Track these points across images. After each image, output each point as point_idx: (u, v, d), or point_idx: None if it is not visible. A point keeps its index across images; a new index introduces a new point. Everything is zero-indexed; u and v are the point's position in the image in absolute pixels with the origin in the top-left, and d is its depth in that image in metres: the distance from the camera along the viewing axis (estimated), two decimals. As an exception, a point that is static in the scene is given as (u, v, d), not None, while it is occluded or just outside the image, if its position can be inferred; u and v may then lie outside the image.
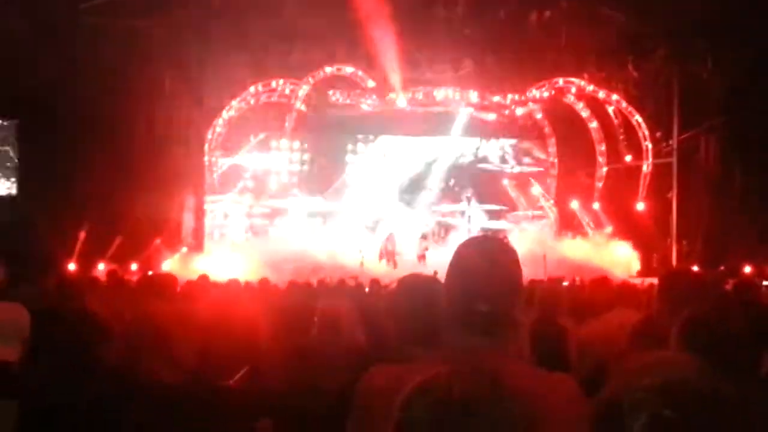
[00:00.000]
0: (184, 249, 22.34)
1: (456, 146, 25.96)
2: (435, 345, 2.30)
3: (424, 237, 23.79)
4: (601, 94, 23.79)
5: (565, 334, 5.85)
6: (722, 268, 18.08)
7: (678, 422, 1.55)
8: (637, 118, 23.51)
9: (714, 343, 3.06)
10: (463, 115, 25.13)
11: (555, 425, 1.88)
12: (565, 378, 2.22)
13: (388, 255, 22.75)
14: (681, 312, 3.69)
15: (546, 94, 24.42)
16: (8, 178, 22.38)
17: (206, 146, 23.64)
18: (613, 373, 1.87)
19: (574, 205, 24.78)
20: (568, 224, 24.90)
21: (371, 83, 23.61)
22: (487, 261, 2.25)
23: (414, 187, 25.71)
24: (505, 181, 26.21)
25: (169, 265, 20.33)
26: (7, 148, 22.25)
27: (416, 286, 3.11)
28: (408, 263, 21.11)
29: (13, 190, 22.20)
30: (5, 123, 22.31)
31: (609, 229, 23.47)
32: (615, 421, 1.63)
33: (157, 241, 21.32)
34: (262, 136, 24.59)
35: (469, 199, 25.93)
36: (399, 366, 2.25)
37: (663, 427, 1.56)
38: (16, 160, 22.21)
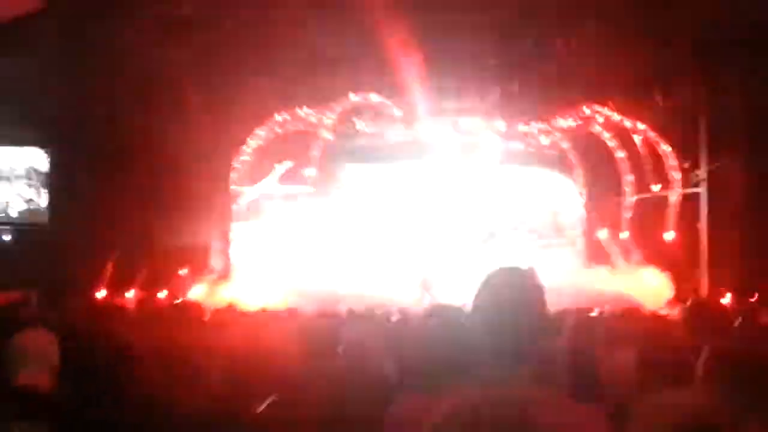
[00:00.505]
0: (212, 276, 22.40)
1: (482, 176, 25.87)
2: (463, 376, 2.30)
3: None
4: (628, 123, 23.68)
5: (597, 366, 5.80)
6: (755, 297, 17.88)
7: None
8: (665, 147, 23.36)
9: (738, 376, 3.03)
10: (490, 144, 25.07)
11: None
12: (594, 410, 2.21)
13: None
14: (705, 343, 3.67)
15: (572, 123, 24.34)
16: (40, 206, 22.63)
17: (232, 174, 23.75)
18: (633, 413, 1.87)
19: (602, 235, 24.62)
20: (596, 254, 24.74)
21: (398, 112, 23.66)
22: (515, 292, 2.26)
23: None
24: (534, 211, 26.16)
25: (197, 292, 20.39)
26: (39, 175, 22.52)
27: (445, 315, 3.11)
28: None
29: (45, 218, 22.43)
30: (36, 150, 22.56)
31: (638, 259, 23.26)
32: None
33: (185, 269, 21.40)
34: (289, 164, 24.63)
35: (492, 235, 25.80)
36: (426, 395, 2.26)
37: None
38: (48, 188, 22.46)
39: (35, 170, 22.56)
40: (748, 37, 19.25)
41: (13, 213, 22.65)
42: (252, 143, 23.69)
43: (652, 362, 4.63)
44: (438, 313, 3.19)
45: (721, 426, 1.58)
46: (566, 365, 4.57)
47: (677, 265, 22.44)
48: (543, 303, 2.30)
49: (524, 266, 2.41)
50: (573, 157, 25.13)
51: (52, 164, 22.23)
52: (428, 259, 23.85)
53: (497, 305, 2.25)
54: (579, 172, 25.27)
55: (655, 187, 23.81)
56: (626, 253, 23.89)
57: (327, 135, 23.82)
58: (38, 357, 3.82)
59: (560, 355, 5.10)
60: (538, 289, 2.31)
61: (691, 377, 3.39)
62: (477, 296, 2.32)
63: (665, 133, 23.45)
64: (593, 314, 11.89)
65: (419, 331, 3.17)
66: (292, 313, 10.46)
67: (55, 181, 22.15)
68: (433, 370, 2.86)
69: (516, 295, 2.26)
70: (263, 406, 5.06)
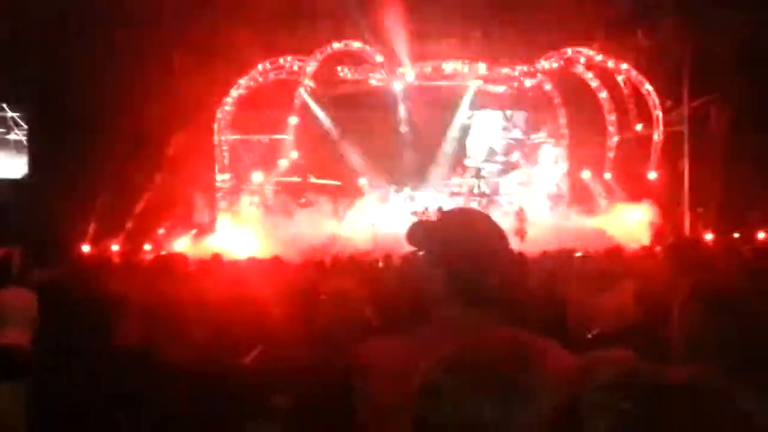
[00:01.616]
0: (196, 229, 22.41)
1: (466, 119, 25.80)
2: (429, 319, 2.31)
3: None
4: (611, 64, 23.64)
5: (564, 307, 5.86)
6: (737, 235, 18.04)
7: (640, 416, 1.56)
8: (647, 86, 23.36)
9: (718, 310, 3.05)
10: (473, 87, 24.99)
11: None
12: (555, 346, 2.23)
13: None
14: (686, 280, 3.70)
15: (555, 65, 24.27)
16: (20, 162, 22.46)
17: (216, 125, 23.63)
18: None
19: (586, 175, 24.70)
20: (580, 194, 24.84)
21: (379, 58, 23.51)
22: (472, 233, 2.27)
23: (425, 161, 25.49)
24: (517, 153, 26.17)
25: (182, 244, 20.41)
26: (18, 132, 22.32)
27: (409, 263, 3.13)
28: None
29: (25, 174, 22.28)
30: (15, 109, 22.34)
31: (621, 198, 23.38)
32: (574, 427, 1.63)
33: (169, 221, 21.39)
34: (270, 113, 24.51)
35: (478, 172, 25.81)
36: (394, 338, 2.28)
37: (628, 423, 1.57)
38: (27, 144, 22.27)
39: (16, 127, 22.38)
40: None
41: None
42: (234, 93, 23.53)
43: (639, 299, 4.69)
44: (412, 258, 3.20)
45: (656, 377, 1.59)
46: (538, 304, 4.62)
47: (660, 204, 22.58)
48: (503, 243, 2.31)
49: (475, 209, 2.41)
50: (556, 98, 25.06)
51: (33, 121, 22.02)
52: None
53: (455, 247, 2.26)
54: (562, 113, 25.22)
55: (638, 127, 23.88)
56: (610, 193, 24.01)
57: (309, 82, 23.68)
58: (18, 316, 3.82)
59: (533, 294, 5.15)
60: (496, 229, 2.32)
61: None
62: (435, 240, 2.32)
63: (648, 73, 23.44)
64: (577, 255, 11.98)
65: (391, 277, 3.19)
66: (276, 262, 10.47)
67: (36, 137, 21.96)
68: (402, 314, 2.89)
69: (473, 236, 2.26)
70: (250, 357, 5.10)
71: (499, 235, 2.33)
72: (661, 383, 1.60)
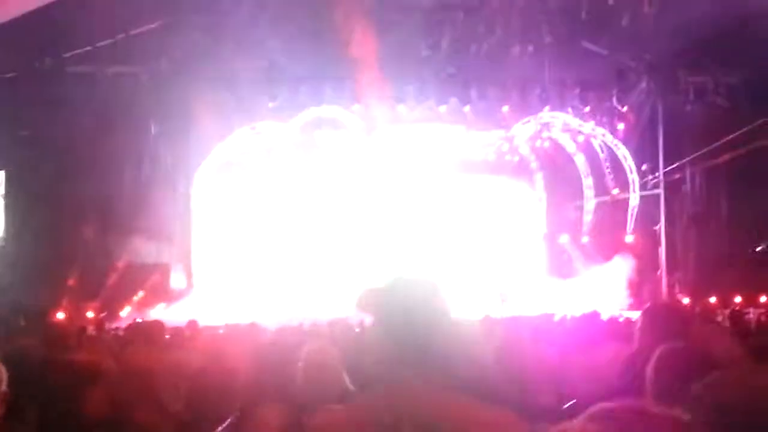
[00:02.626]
0: (173, 294, 22.26)
1: (443, 184, 25.86)
2: (374, 386, 2.33)
3: None
4: (587, 128, 23.91)
5: (526, 369, 5.82)
6: (713, 298, 18.14)
7: None
8: (623, 150, 23.62)
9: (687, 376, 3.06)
10: (449, 151, 25.12)
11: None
12: (505, 415, 2.23)
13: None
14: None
15: (531, 130, 24.50)
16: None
17: (193, 190, 23.62)
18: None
19: (564, 239, 24.79)
20: (557, 259, 24.89)
21: (358, 122, 23.69)
22: (414, 298, 2.28)
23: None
24: (496, 216, 26.21)
25: (159, 311, 20.23)
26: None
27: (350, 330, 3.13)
28: None
29: (1, 241, 22.09)
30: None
31: (599, 263, 23.44)
32: None
33: (145, 288, 21.26)
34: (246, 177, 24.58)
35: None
36: (340, 406, 2.31)
37: None
38: (4, 210, 22.12)
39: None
40: (699, 41, 19.51)
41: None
42: (214, 158, 23.59)
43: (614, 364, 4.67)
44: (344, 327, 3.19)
45: None
46: (493, 370, 4.58)
47: (638, 268, 22.68)
48: (444, 307, 2.32)
49: (422, 275, 2.42)
50: (533, 162, 25.24)
51: (9, 185, 21.93)
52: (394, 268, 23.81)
53: (400, 314, 2.26)
54: (539, 177, 25.39)
55: (615, 191, 24.08)
56: (588, 257, 24.06)
57: (288, 148, 23.78)
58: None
59: (487, 357, 5.12)
60: (439, 293, 2.33)
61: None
62: (378, 306, 2.33)
63: (623, 137, 23.74)
64: (555, 319, 11.97)
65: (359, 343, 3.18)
66: (253, 328, 10.38)
67: (11, 202, 21.84)
68: (355, 380, 2.89)
69: (418, 303, 2.27)
70: (223, 427, 5.02)
71: (442, 302, 2.34)
72: None
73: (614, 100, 23.65)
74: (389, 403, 2.19)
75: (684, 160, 22.27)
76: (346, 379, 4.73)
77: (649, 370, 3.34)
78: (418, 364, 2.22)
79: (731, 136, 20.23)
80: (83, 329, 9.92)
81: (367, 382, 2.50)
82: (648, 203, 23.72)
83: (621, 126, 23.83)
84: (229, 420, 4.65)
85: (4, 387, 3.79)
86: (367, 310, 2.34)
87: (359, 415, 2.23)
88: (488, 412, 2.21)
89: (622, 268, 22.55)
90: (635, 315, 12.29)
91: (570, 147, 24.50)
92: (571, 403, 4.59)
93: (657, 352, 3.39)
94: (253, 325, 11.15)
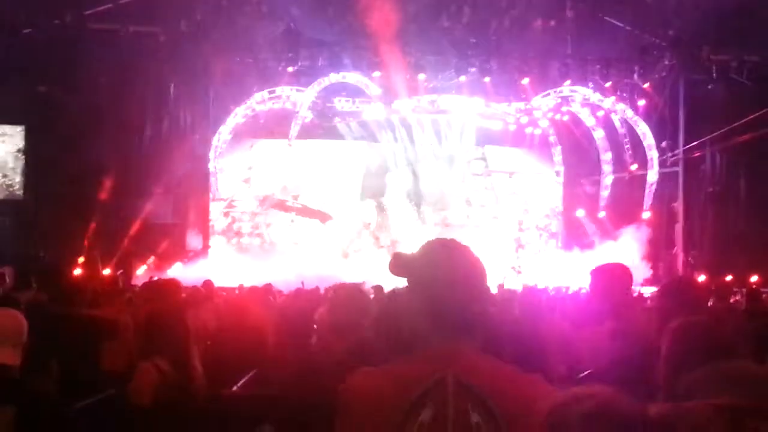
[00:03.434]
0: (190, 254, 22.41)
1: (460, 154, 25.87)
2: (409, 350, 2.34)
3: None
4: (607, 103, 23.76)
5: (548, 340, 5.86)
6: (730, 277, 18.08)
7: None
8: (643, 127, 23.49)
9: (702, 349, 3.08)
10: (468, 123, 25.10)
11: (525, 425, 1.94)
12: (537, 379, 2.25)
13: None
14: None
15: (551, 103, 24.37)
16: (15, 183, 22.39)
17: (211, 152, 23.67)
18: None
19: (580, 214, 24.75)
20: (573, 233, 24.86)
21: (376, 90, 23.62)
22: (448, 264, 2.29)
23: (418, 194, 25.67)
24: (513, 189, 26.18)
25: (175, 270, 20.37)
26: (16, 152, 22.28)
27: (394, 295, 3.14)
28: None
29: (21, 195, 22.22)
30: (13, 128, 22.30)
31: (615, 238, 23.38)
32: None
33: (161, 248, 21.40)
34: (267, 142, 24.68)
35: (468, 202, 25.87)
36: (377, 368, 2.30)
37: None
38: (23, 165, 22.23)
39: (12, 147, 22.33)
40: (723, 17, 19.31)
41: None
42: (231, 122, 23.60)
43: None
44: (389, 292, 3.22)
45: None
46: (512, 336, 4.61)
47: (654, 244, 22.64)
48: (482, 272, 2.33)
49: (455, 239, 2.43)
50: (552, 136, 25.14)
51: (29, 141, 22.02)
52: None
53: (436, 277, 2.27)
54: (558, 151, 25.30)
55: (633, 167, 23.96)
56: (603, 233, 24.01)
57: (306, 113, 23.76)
58: (7, 336, 3.79)
59: (507, 326, 5.15)
60: (474, 259, 2.34)
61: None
62: (414, 269, 2.34)
63: (644, 114, 23.59)
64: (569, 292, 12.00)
65: (378, 309, 3.20)
66: (268, 289, 10.46)
67: (31, 158, 21.94)
68: (385, 345, 2.90)
69: (454, 266, 2.28)
70: (240, 384, 5.08)
71: (479, 265, 2.35)
72: (639, 416, 1.62)
73: (636, 76, 23.44)
74: (429, 366, 2.21)
75: (704, 138, 22.11)
76: (359, 344, 4.78)
77: (664, 342, 3.35)
78: (455, 327, 2.24)
79: (753, 116, 20.07)
80: (100, 286, 9.99)
81: (400, 345, 2.52)
82: (666, 180, 23.62)
83: (642, 102, 23.67)
84: (245, 378, 4.72)
85: (25, 338, 3.84)
86: (403, 272, 2.35)
87: (397, 379, 2.23)
88: (526, 376, 2.24)
89: (637, 243, 22.51)
90: (649, 290, 12.31)
91: (589, 121, 24.37)
92: (585, 373, 4.62)
93: (673, 325, 3.40)
94: (267, 286, 11.24)
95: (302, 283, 13.41)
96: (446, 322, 2.24)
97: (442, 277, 2.27)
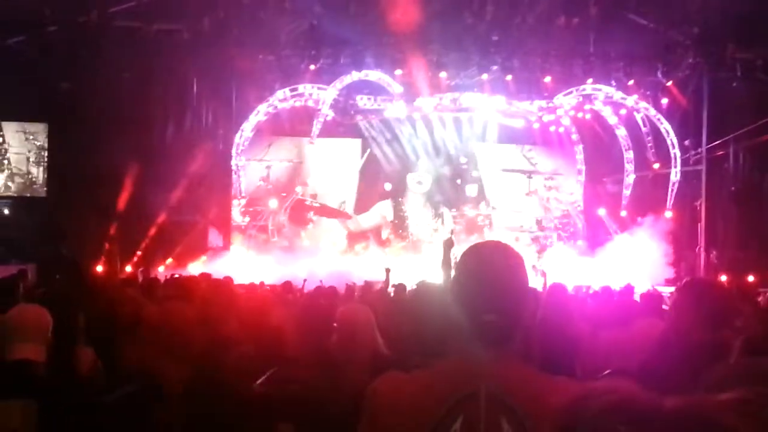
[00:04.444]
0: (210, 252, 22.51)
1: (482, 152, 25.86)
2: (443, 353, 2.31)
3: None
4: (630, 101, 23.65)
5: (573, 342, 5.84)
6: (752, 277, 17.96)
7: None
8: (666, 125, 23.35)
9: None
10: (490, 121, 25.07)
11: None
12: (567, 382, 2.22)
13: None
14: (706, 322, 3.69)
15: (574, 101, 24.27)
16: (38, 181, 22.57)
17: (234, 150, 23.77)
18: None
19: (602, 212, 24.63)
20: (595, 232, 24.74)
21: (398, 88, 23.62)
22: (494, 268, 2.25)
23: (438, 190, 25.71)
24: (533, 188, 26.10)
25: (196, 268, 20.46)
26: (38, 150, 22.45)
27: (430, 292, 3.11)
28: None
29: (43, 193, 22.40)
30: (36, 126, 22.48)
31: (637, 237, 23.23)
32: None
33: (183, 245, 21.50)
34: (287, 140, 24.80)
35: (489, 203, 25.84)
36: (406, 373, 2.27)
37: None
38: (46, 163, 22.40)
39: (35, 144, 22.50)
40: (748, 16, 19.18)
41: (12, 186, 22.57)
42: (254, 119, 23.68)
43: (650, 338, 4.66)
44: (422, 292, 3.20)
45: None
46: (540, 341, 4.59)
47: (676, 243, 22.50)
48: (523, 279, 2.29)
49: (501, 241, 2.40)
50: (574, 134, 25.04)
51: (51, 138, 22.19)
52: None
53: (477, 283, 2.24)
54: (580, 149, 25.20)
55: (656, 165, 23.83)
56: (625, 231, 23.85)
57: (328, 111, 23.80)
58: (32, 332, 3.82)
59: (535, 331, 5.12)
60: (518, 264, 2.30)
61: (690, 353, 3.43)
62: (457, 272, 2.31)
63: (667, 112, 23.46)
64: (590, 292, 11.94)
65: (406, 310, 3.19)
66: (287, 287, 10.48)
67: (54, 155, 22.11)
68: (417, 346, 2.88)
69: (495, 272, 2.24)
70: (260, 381, 5.09)
71: (522, 270, 2.32)
72: (660, 409, 1.61)
73: (659, 74, 23.29)
74: (463, 376, 2.18)
75: (728, 137, 21.96)
76: (379, 341, 4.78)
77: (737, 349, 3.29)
78: (493, 334, 2.21)
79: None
80: (122, 283, 10.06)
81: (431, 348, 2.50)
82: (689, 179, 23.48)
83: (665, 100, 23.53)
84: (266, 375, 4.72)
85: (50, 335, 3.88)
86: (449, 271, 2.35)
87: (429, 387, 2.21)
88: (557, 381, 2.21)
89: (659, 243, 22.35)
90: (669, 290, 12.23)
91: (612, 120, 24.26)
92: (606, 373, 4.59)
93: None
94: (286, 284, 11.26)
95: (321, 281, 13.42)
96: (485, 329, 2.21)
97: (487, 282, 2.23)
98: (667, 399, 1.60)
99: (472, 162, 25.77)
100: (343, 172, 25.29)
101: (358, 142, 25.24)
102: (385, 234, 25.26)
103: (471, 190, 25.85)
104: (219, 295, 9.09)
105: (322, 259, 21.40)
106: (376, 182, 25.43)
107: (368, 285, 14.35)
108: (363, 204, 25.42)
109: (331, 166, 25.16)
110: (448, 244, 8.25)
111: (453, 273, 2.32)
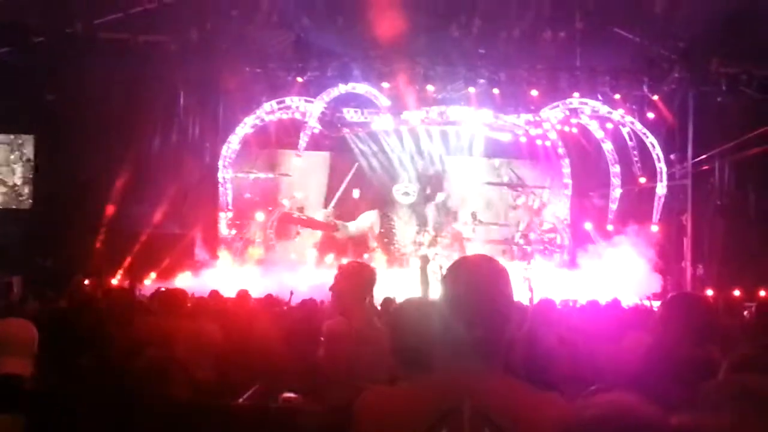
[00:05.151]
0: (197, 265, 22.41)
1: (468, 165, 25.89)
2: (432, 368, 2.31)
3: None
4: (616, 116, 23.72)
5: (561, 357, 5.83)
6: (737, 292, 18.01)
7: None
8: (652, 139, 23.43)
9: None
10: (477, 134, 25.12)
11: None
12: (555, 397, 2.22)
13: None
14: (693, 336, 3.70)
15: (560, 115, 24.33)
16: (24, 193, 22.47)
17: (220, 162, 23.72)
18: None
19: (588, 227, 24.65)
20: (581, 246, 24.74)
21: (385, 101, 23.64)
22: (480, 283, 2.25)
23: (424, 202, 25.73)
24: (519, 201, 26.12)
25: (183, 281, 20.37)
26: (24, 162, 22.37)
27: (413, 309, 3.11)
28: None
29: (28, 205, 22.29)
30: (22, 138, 22.40)
31: (623, 250, 23.25)
32: None
33: (170, 258, 21.41)
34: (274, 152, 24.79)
35: (474, 216, 25.80)
36: (391, 388, 2.27)
37: None
38: (32, 175, 22.31)
39: (20, 156, 22.42)
40: (734, 31, 19.31)
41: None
42: (240, 131, 23.64)
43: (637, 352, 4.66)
44: (407, 306, 3.19)
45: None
46: (523, 354, 4.59)
47: (662, 258, 22.53)
48: (508, 295, 2.30)
49: (487, 256, 2.40)
50: (560, 148, 25.07)
51: (38, 150, 22.10)
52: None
53: (462, 299, 2.24)
54: (566, 163, 25.23)
55: (642, 180, 23.90)
56: (611, 246, 23.86)
57: (315, 124, 23.79)
58: (18, 346, 3.80)
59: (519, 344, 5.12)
60: (504, 280, 2.30)
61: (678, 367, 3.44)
62: (443, 288, 2.31)
63: (653, 126, 23.54)
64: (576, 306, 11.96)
65: (391, 324, 3.18)
66: (270, 300, 10.45)
67: (40, 167, 22.03)
68: (404, 360, 2.88)
69: (481, 288, 2.24)
70: (246, 396, 5.07)
71: (508, 284, 2.32)
72: (660, 425, 1.61)
73: (645, 88, 23.39)
74: (447, 390, 2.18)
75: (713, 152, 22.06)
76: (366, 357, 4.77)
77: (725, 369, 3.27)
78: (478, 349, 2.20)
79: (762, 129, 20.04)
80: (108, 296, 10.01)
81: (418, 363, 2.49)
82: (675, 193, 23.56)
83: (651, 114, 23.61)
84: (251, 390, 4.71)
85: (36, 348, 3.86)
86: (427, 287, 2.36)
87: (414, 401, 2.20)
88: (543, 396, 2.21)
89: (645, 257, 22.39)
90: (656, 304, 12.27)
91: (598, 134, 24.32)
92: (592, 389, 4.59)
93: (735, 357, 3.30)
94: (269, 296, 11.23)
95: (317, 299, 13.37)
96: (470, 344, 2.21)
97: (473, 297, 2.23)
98: (672, 415, 1.61)
99: (459, 175, 25.79)
100: (330, 185, 25.27)
101: (345, 155, 25.21)
102: (372, 244, 25.23)
103: (456, 204, 25.86)
104: (205, 310, 9.06)
105: (307, 272, 21.34)
106: (364, 194, 25.41)
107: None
108: (349, 216, 25.38)
109: (317, 179, 25.16)
110: (425, 260, 8.26)
111: (430, 289, 2.34)
